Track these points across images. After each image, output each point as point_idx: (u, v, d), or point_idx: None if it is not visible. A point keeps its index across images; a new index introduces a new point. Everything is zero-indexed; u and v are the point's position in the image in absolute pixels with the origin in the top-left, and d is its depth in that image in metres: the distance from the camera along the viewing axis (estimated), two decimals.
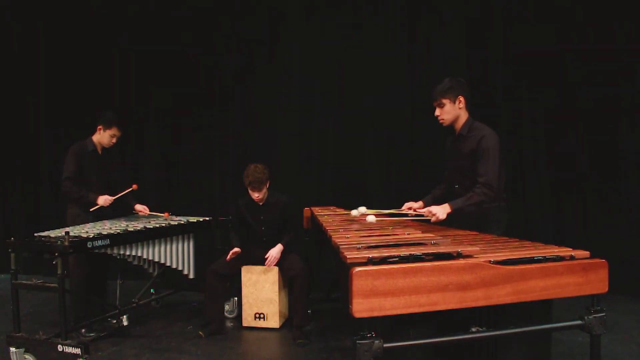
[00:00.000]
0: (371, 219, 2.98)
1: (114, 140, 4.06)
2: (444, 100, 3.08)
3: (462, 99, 3.07)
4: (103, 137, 4.03)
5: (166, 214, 4.37)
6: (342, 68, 5.14)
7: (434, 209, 2.93)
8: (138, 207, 4.31)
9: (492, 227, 2.96)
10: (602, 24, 4.59)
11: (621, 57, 4.54)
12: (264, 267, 3.93)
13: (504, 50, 4.88)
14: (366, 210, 3.15)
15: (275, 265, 3.93)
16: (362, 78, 5.12)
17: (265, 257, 3.90)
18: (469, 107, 3.12)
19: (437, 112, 3.12)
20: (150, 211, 4.33)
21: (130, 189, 4.14)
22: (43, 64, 5.80)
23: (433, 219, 2.91)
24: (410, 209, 3.38)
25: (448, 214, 2.92)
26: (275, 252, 3.92)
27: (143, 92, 5.58)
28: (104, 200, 3.94)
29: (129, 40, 5.54)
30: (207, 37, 5.40)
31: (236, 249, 3.90)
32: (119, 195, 4.06)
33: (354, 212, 3.21)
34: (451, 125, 3.16)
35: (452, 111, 3.09)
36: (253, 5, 5.29)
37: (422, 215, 3.01)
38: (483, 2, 4.89)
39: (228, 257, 3.88)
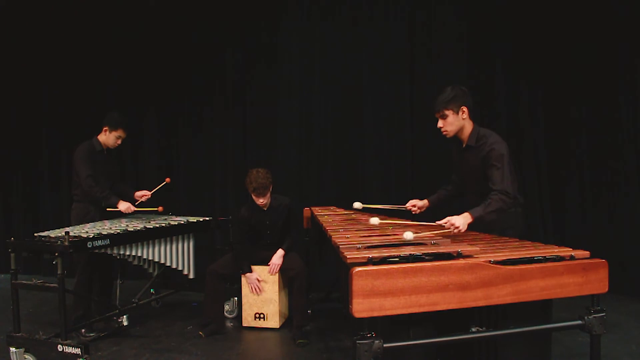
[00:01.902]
0: (374, 220, 2.78)
1: (119, 142, 4.05)
2: (447, 112, 2.93)
3: (465, 109, 2.93)
4: (109, 138, 4.01)
5: (160, 208, 4.35)
6: (342, 67, 5.14)
7: (455, 219, 2.65)
8: (138, 193, 4.23)
9: (509, 233, 2.82)
10: (602, 22, 4.59)
11: (621, 57, 4.55)
12: (264, 267, 3.93)
13: (504, 50, 4.88)
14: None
15: None
16: (362, 77, 5.11)
17: (268, 264, 3.92)
18: (471, 115, 3.00)
19: (440, 123, 2.97)
20: (148, 213, 4.32)
21: (156, 209, 4.14)
22: (42, 63, 5.80)
23: (455, 231, 2.62)
24: (414, 206, 3.37)
25: (469, 224, 2.70)
26: (276, 259, 3.92)
27: (143, 92, 5.58)
28: (126, 207, 3.93)
29: (128, 40, 5.54)
30: (207, 36, 5.39)
31: (255, 277, 3.90)
32: (143, 209, 4.08)
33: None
34: (456, 136, 3.04)
35: (455, 122, 2.95)
36: (252, 5, 5.28)
37: (440, 226, 2.74)
38: (483, 2, 4.89)
39: (259, 291, 3.90)
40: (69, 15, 5.60)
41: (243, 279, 3.97)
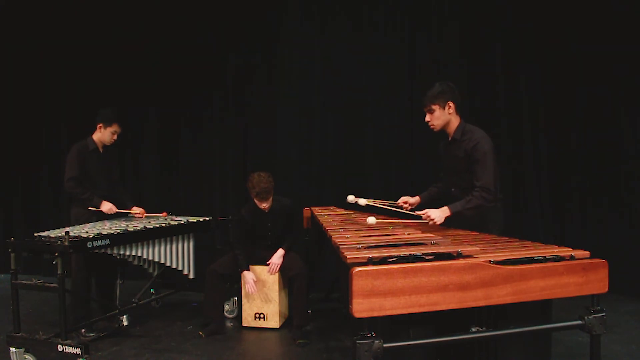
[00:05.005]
0: (371, 220, 2.86)
1: (115, 137, 4.04)
2: (434, 107, 3.10)
3: (451, 104, 3.10)
4: (104, 135, 4.00)
5: (164, 213, 4.36)
6: (343, 68, 5.13)
7: (432, 212, 2.92)
8: (135, 209, 4.25)
9: (489, 227, 2.98)
10: (601, 22, 4.59)
11: (621, 55, 4.55)
12: (264, 267, 3.93)
13: (504, 50, 4.88)
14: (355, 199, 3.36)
15: None
16: (362, 77, 5.11)
17: (267, 263, 3.92)
18: (459, 111, 3.16)
19: (428, 117, 3.16)
20: (147, 212, 4.30)
21: (138, 212, 4.18)
22: (43, 64, 5.80)
23: (430, 222, 2.90)
24: (406, 202, 3.47)
25: (447, 218, 2.93)
26: (276, 259, 3.91)
27: (143, 92, 5.57)
28: (108, 208, 3.95)
29: (128, 40, 5.54)
30: (207, 37, 5.39)
31: (251, 277, 3.89)
32: (124, 210, 4.10)
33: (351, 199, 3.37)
34: (444, 130, 3.20)
35: (441, 117, 3.12)
36: (253, 7, 5.28)
37: (420, 217, 2.99)
38: (483, 2, 4.89)
39: (255, 290, 3.88)
40: (69, 16, 5.60)
41: (243, 279, 3.96)
